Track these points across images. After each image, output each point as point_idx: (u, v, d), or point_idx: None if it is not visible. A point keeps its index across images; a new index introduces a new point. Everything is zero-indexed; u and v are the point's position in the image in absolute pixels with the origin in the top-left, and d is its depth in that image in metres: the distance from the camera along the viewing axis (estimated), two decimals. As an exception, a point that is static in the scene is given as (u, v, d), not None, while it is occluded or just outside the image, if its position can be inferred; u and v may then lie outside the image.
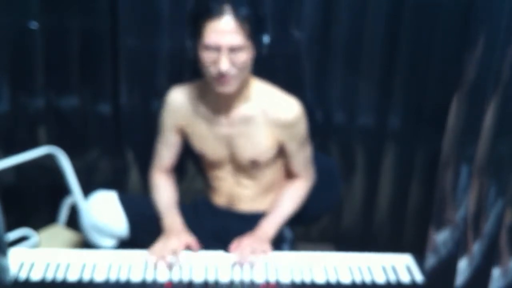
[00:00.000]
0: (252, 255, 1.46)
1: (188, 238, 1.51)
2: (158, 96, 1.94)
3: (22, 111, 1.99)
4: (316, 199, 1.72)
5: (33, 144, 1.96)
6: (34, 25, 1.90)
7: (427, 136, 1.94)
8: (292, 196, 1.65)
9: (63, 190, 1.98)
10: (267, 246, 1.50)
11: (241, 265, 1.45)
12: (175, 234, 1.51)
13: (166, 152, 1.67)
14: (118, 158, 2.06)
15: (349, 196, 2.10)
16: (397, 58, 1.87)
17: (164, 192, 1.65)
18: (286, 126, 1.53)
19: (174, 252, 1.46)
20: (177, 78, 1.91)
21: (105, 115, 2.00)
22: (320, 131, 2.02)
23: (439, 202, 1.36)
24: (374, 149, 2.03)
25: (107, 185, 2.06)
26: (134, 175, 2.08)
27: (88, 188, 1.99)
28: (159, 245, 1.49)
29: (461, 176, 1.25)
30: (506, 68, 1.10)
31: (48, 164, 1.94)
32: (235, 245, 1.50)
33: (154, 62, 1.92)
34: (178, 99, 1.60)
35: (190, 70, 1.89)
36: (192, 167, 2.00)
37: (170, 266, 1.44)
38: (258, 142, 1.55)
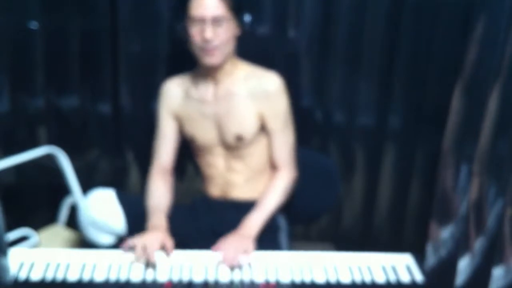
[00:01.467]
0: (235, 255, 1.46)
1: (164, 237, 1.51)
2: (158, 96, 1.94)
3: (22, 111, 1.99)
4: (314, 199, 1.73)
5: (33, 144, 1.96)
6: (34, 25, 1.90)
7: (427, 136, 1.94)
8: (275, 191, 1.66)
9: (63, 190, 1.98)
10: (250, 245, 1.50)
11: (226, 266, 1.45)
12: (153, 232, 1.53)
13: (164, 146, 1.71)
14: (118, 158, 2.06)
15: (349, 196, 2.10)
16: (397, 58, 1.87)
17: (156, 195, 1.67)
18: (267, 97, 1.61)
19: (147, 247, 1.45)
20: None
21: (105, 115, 2.00)
22: (320, 131, 2.02)
23: (439, 202, 1.36)
24: (374, 149, 2.03)
25: (107, 185, 2.06)
26: (134, 175, 2.08)
27: (88, 188, 1.99)
28: (137, 239, 1.49)
29: (461, 175, 1.25)
30: (505, 67, 1.10)
31: (48, 164, 1.94)
32: (219, 245, 1.50)
33: (154, 62, 1.92)
34: (172, 87, 1.70)
35: (190, 69, 1.89)
36: (192, 167, 2.00)
37: (140, 260, 1.44)
38: (242, 116, 1.62)
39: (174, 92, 1.69)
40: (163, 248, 1.49)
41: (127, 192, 2.06)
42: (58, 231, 2.03)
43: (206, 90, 1.64)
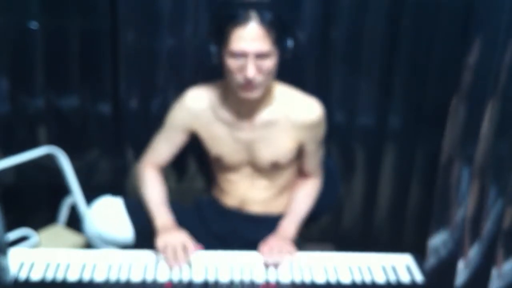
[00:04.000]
0: (279, 255, 1.46)
1: (187, 236, 1.49)
2: (158, 95, 1.94)
3: (22, 111, 1.99)
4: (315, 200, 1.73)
5: (33, 144, 1.96)
6: (34, 25, 1.90)
7: (427, 136, 1.94)
8: (307, 196, 1.67)
9: (63, 190, 1.97)
10: (292, 246, 1.51)
11: (269, 265, 1.45)
12: (176, 231, 1.49)
13: (165, 148, 1.63)
14: (118, 158, 2.05)
15: (349, 196, 2.10)
16: (397, 58, 1.87)
17: (155, 189, 1.60)
18: (309, 127, 1.55)
19: (185, 249, 1.44)
20: (177, 78, 1.91)
21: (105, 115, 2.00)
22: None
23: (439, 202, 1.36)
24: (374, 149, 2.03)
25: (107, 185, 2.06)
26: (134, 175, 2.08)
27: (88, 188, 1.99)
28: (170, 247, 1.43)
29: (461, 176, 1.25)
30: (505, 68, 1.10)
31: (48, 164, 1.94)
32: (263, 247, 1.49)
33: (154, 62, 1.92)
34: (196, 101, 1.57)
35: (190, 69, 1.89)
36: (192, 167, 2.00)
37: (182, 263, 1.43)
38: (279, 145, 1.55)
39: (198, 108, 1.56)
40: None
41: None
42: (58, 231, 2.02)
43: (239, 115, 1.54)
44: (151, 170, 1.64)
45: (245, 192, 1.65)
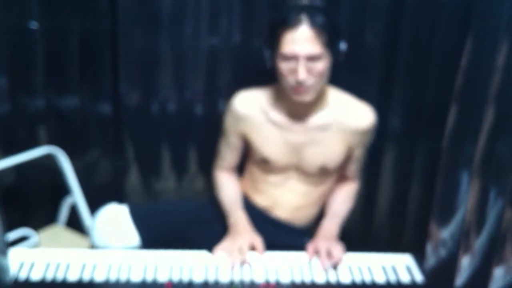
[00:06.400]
0: (333, 257, 1.46)
1: (254, 237, 1.49)
2: (158, 95, 1.94)
3: (22, 111, 1.99)
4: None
5: (33, 144, 1.96)
6: (34, 25, 1.90)
7: (427, 136, 1.94)
8: (346, 198, 1.68)
9: (63, 190, 1.98)
10: (341, 245, 1.51)
11: (333, 267, 1.45)
12: (241, 233, 1.50)
13: (229, 153, 1.66)
14: (118, 158, 2.06)
15: (349, 196, 2.10)
16: (397, 58, 1.87)
17: (228, 190, 1.64)
18: (360, 133, 1.56)
19: (241, 251, 1.44)
20: (177, 78, 1.91)
21: (105, 115, 2.00)
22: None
23: (439, 202, 1.36)
24: (374, 149, 2.02)
25: (107, 185, 2.06)
26: (134, 175, 2.08)
27: (88, 188, 2.00)
28: (227, 243, 1.47)
29: (461, 176, 1.25)
30: (502, 68, 1.10)
31: (48, 164, 1.94)
32: (311, 249, 1.50)
33: (154, 62, 1.92)
34: (244, 106, 1.58)
35: (191, 69, 1.89)
36: (192, 167, 2.00)
37: (236, 264, 1.43)
38: (329, 149, 1.56)
39: (246, 112, 1.57)
40: (253, 248, 1.47)
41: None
42: (58, 231, 2.03)
43: (292, 118, 1.54)
44: (223, 175, 1.69)
45: (280, 196, 1.64)
